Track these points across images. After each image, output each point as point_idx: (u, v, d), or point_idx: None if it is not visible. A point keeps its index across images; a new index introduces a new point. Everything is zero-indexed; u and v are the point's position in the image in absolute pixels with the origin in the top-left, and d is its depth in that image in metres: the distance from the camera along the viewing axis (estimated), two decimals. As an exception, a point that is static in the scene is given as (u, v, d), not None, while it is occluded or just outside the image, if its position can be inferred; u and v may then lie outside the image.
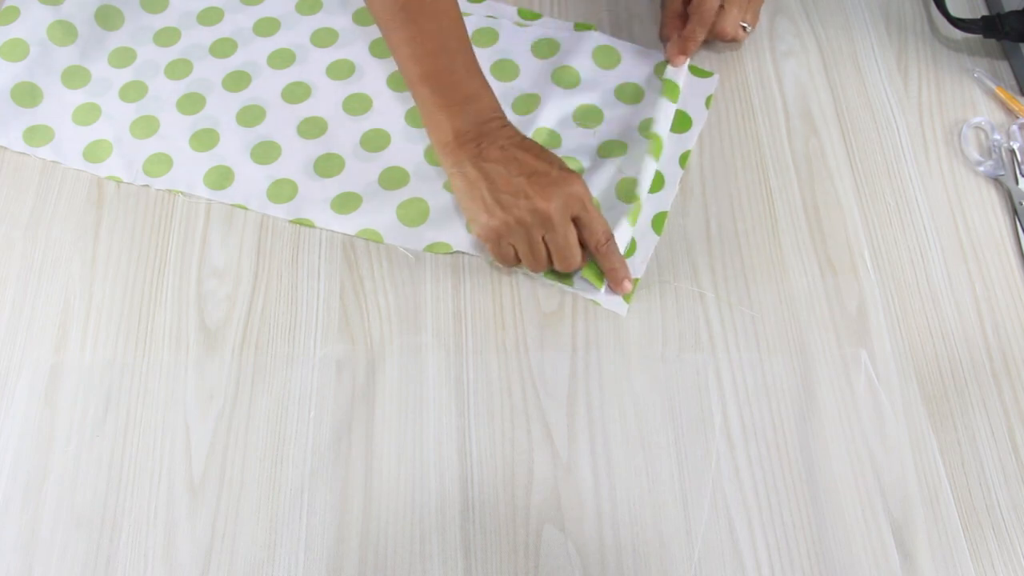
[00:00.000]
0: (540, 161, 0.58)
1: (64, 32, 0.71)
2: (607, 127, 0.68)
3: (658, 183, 0.65)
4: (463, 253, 0.63)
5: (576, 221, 0.58)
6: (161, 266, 0.62)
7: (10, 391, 0.57)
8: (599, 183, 0.65)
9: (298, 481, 0.55)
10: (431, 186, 0.65)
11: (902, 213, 0.66)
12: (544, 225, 0.57)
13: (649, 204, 0.65)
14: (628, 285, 0.61)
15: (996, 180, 0.67)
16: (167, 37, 0.73)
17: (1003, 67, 0.73)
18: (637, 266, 0.62)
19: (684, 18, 0.71)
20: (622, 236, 0.61)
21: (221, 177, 0.66)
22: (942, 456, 0.56)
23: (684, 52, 0.69)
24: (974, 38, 0.74)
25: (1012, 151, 0.68)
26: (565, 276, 0.61)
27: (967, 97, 0.72)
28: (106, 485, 0.55)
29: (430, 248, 0.63)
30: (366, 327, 0.60)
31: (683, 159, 0.67)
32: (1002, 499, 0.55)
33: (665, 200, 0.65)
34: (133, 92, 0.70)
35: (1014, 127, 0.69)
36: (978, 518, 0.54)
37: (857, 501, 0.55)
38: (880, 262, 0.64)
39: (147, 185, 0.65)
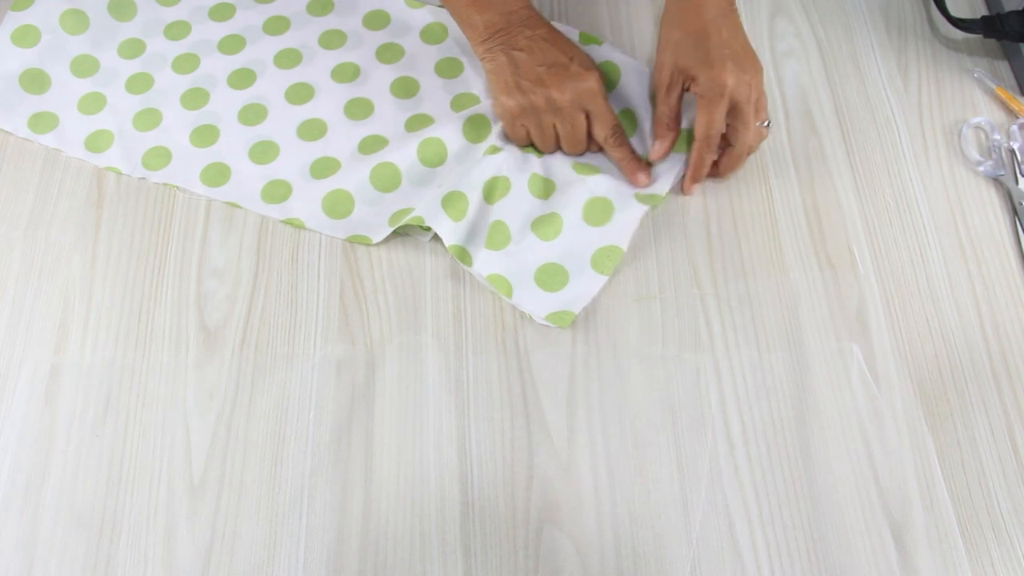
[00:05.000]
0: (561, 54, 0.63)
1: (76, 21, 0.72)
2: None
3: (605, 214, 0.63)
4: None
5: (587, 114, 0.63)
6: (161, 266, 0.62)
7: (10, 391, 0.57)
8: (566, 205, 0.63)
9: (298, 481, 0.55)
10: (423, 192, 0.64)
11: (902, 213, 0.66)
12: (555, 113, 0.63)
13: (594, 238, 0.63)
14: (643, 178, 0.64)
15: (996, 180, 0.67)
16: (177, 31, 0.73)
17: (1003, 67, 0.73)
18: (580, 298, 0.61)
19: (678, 116, 0.65)
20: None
21: (218, 174, 0.66)
22: (941, 456, 0.56)
23: (695, 180, 0.65)
24: (974, 38, 0.74)
25: (1012, 151, 0.68)
26: (506, 286, 0.60)
27: (967, 97, 0.72)
28: (106, 485, 0.55)
29: (407, 221, 0.61)
30: (366, 327, 0.60)
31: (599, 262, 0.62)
32: (1001, 499, 0.55)
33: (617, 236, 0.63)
34: (139, 84, 0.70)
35: (1014, 127, 0.69)
36: (977, 518, 0.54)
37: (856, 501, 0.55)
38: (880, 262, 0.64)
39: (144, 178, 0.66)
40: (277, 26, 0.73)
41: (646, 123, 0.68)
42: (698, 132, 0.62)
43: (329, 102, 0.69)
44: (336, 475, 0.55)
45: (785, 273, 0.63)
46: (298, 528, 0.54)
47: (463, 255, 0.61)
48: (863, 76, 0.72)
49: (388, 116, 0.69)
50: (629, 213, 0.63)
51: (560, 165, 0.66)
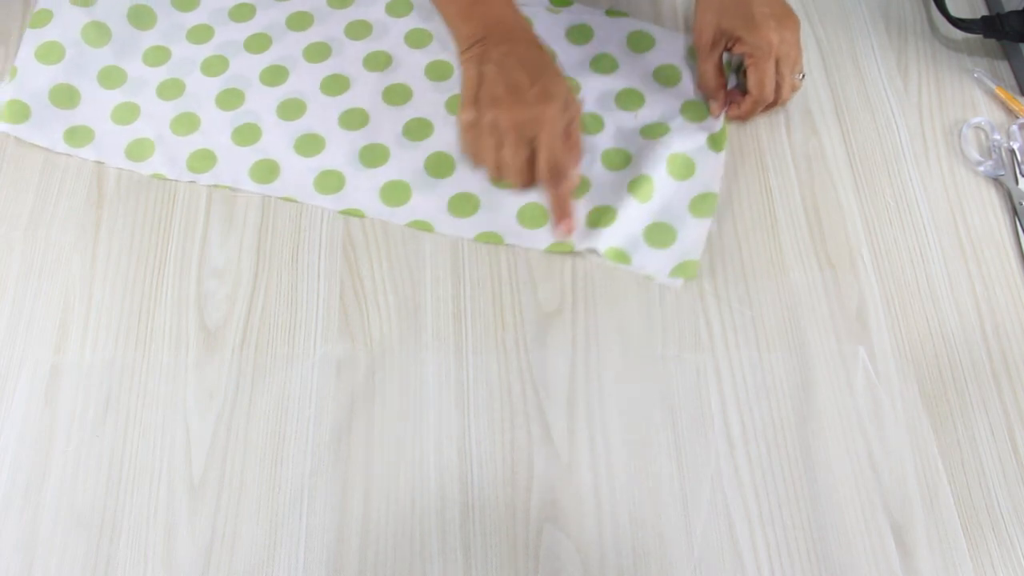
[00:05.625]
0: (526, 75, 0.61)
1: (98, 33, 0.71)
2: (649, 110, 0.69)
3: (688, 168, 0.66)
4: (509, 245, 0.63)
5: (534, 143, 0.61)
6: (161, 266, 0.62)
7: (10, 391, 0.57)
8: (649, 165, 0.65)
9: (298, 481, 0.55)
10: (477, 176, 0.66)
11: (902, 213, 0.66)
12: (501, 138, 0.61)
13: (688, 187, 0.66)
14: (564, 228, 0.62)
15: (996, 180, 0.67)
16: (200, 34, 0.73)
17: (1003, 67, 0.73)
18: (689, 247, 0.63)
19: (722, 71, 0.68)
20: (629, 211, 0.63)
21: (267, 171, 0.66)
22: (942, 456, 0.56)
23: (741, 119, 0.69)
24: (974, 38, 0.74)
25: (1012, 151, 0.68)
26: (623, 256, 0.62)
27: (967, 97, 0.72)
28: (106, 485, 0.55)
29: (481, 237, 0.63)
30: (366, 327, 0.60)
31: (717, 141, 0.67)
32: (1002, 499, 0.55)
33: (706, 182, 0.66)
34: (170, 90, 0.70)
35: (1014, 127, 0.69)
36: (978, 518, 0.54)
37: (857, 501, 0.55)
38: (880, 262, 0.64)
39: (193, 181, 0.66)
40: (301, 21, 0.73)
41: (686, 76, 0.71)
42: (752, 91, 0.65)
43: (366, 91, 0.70)
44: (336, 475, 0.55)
45: (785, 273, 0.63)
46: (298, 528, 0.54)
47: (562, 247, 0.63)
48: (863, 76, 0.72)
49: (427, 99, 0.69)
50: (709, 163, 0.66)
51: (628, 133, 0.68)
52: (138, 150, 0.67)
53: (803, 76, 0.68)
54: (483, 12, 0.64)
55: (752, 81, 0.65)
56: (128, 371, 0.58)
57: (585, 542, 0.53)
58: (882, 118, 0.70)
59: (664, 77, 0.71)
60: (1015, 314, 0.62)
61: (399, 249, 0.63)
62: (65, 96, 0.69)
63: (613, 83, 0.70)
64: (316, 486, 0.55)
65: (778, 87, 0.66)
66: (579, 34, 0.73)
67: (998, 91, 0.71)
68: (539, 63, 0.63)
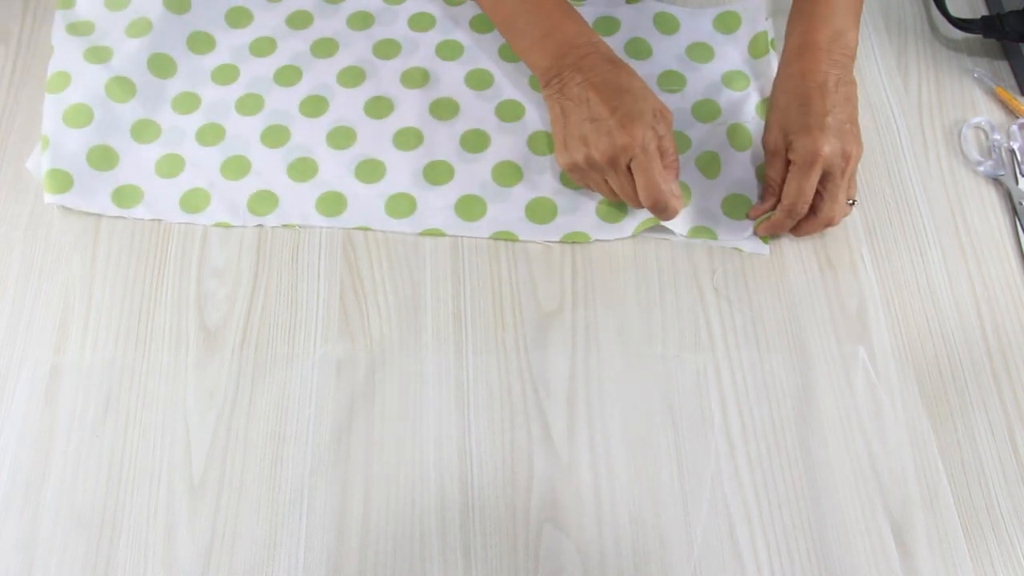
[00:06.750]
0: (605, 107, 0.59)
1: (122, 88, 0.68)
2: (692, 88, 0.70)
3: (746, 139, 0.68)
4: (555, 244, 0.64)
5: (630, 168, 0.59)
6: (161, 266, 0.62)
7: (10, 391, 0.57)
8: (712, 141, 0.67)
9: (298, 481, 0.55)
10: (547, 179, 0.66)
11: (902, 213, 0.66)
12: (601, 170, 0.61)
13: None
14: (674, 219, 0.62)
15: (996, 180, 0.67)
16: (226, 75, 0.70)
17: (1003, 67, 0.73)
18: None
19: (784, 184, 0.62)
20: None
21: (333, 203, 0.64)
22: (942, 456, 0.56)
23: (767, 233, 0.63)
24: (974, 38, 0.74)
25: (1012, 151, 0.68)
26: (708, 233, 0.63)
27: (967, 97, 0.72)
28: (106, 485, 0.55)
29: (568, 238, 0.64)
30: (366, 327, 0.60)
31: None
32: (1002, 499, 0.55)
33: None
34: (210, 135, 0.67)
35: (1014, 127, 0.69)
36: (978, 518, 0.54)
37: (857, 501, 0.55)
38: (880, 262, 0.64)
39: (260, 225, 0.64)
40: (326, 48, 0.71)
41: (719, 51, 0.72)
42: (784, 199, 0.60)
43: (412, 110, 0.68)
44: (336, 475, 0.55)
45: (785, 272, 0.63)
46: (298, 528, 0.54)
47: (647, 223, 0.63)
48: (863, 76, 0.72)
49: (475, 109, 0.69)
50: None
51: (681, 115, 0.68)
52: (193, 202, 0.64)
53: (853, 203, 0.62)
54: (553, 44, 0.62)
55: (788, 188, 0.60)
56: (128, 371, 0.58)
57: (585, 542, 0.53)
58: (882, 118, 0.70)
59: (698, 55, 0.72)
60: (1015, 314, 0.62)
61: (399, 249, 0.63)
62: (103, 157, 0.65)
63: (651, 67, 0.71)
64: (316, 486, 0.55)
65: (823, 203, 0.60)
66: (606, 26, 0.73)
67: (998, 91, 0.71)
68: (616, 84, 0.60)
